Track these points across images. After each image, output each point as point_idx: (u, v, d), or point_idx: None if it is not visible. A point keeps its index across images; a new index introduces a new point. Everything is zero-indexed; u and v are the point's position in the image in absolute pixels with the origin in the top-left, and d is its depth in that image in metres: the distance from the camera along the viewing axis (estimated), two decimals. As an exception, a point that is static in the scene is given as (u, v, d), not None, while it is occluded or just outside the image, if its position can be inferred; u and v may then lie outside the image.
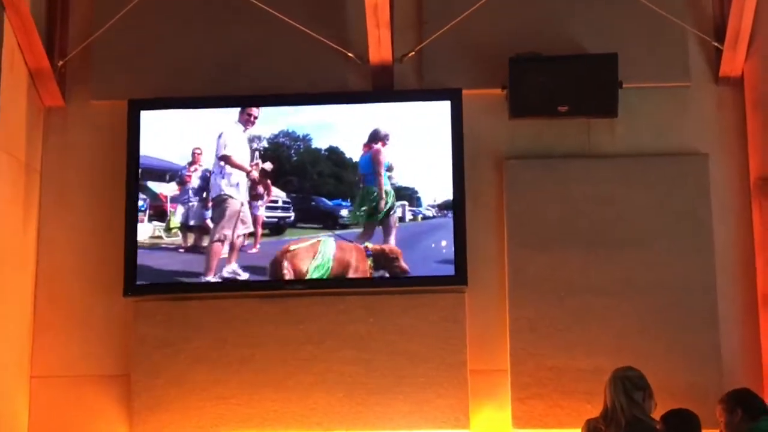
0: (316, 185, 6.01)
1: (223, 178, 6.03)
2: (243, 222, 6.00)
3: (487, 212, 5.98)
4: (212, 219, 6.01)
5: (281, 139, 6.04)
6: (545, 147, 6.05)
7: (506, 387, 5.80)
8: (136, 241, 5.94)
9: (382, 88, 6.07)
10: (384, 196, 5.95)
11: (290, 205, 6.05)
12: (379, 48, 5.89)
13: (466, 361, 5.80)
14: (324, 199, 6.03)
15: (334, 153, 6.01)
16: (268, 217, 6.04)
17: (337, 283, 5.89)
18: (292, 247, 5.94)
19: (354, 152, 5.98)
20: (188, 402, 5.85)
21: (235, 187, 6.02)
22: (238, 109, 6.04)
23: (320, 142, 6.01)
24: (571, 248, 5.86)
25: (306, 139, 6.04)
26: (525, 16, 6.08)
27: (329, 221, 5.99)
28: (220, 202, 6.02)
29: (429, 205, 5.93)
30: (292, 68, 6.14)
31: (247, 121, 6.03)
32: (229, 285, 5.92)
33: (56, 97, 6.17)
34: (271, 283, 5.91)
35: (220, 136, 6.03)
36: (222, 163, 6.02)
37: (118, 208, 6.01)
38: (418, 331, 5.83)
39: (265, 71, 6.15)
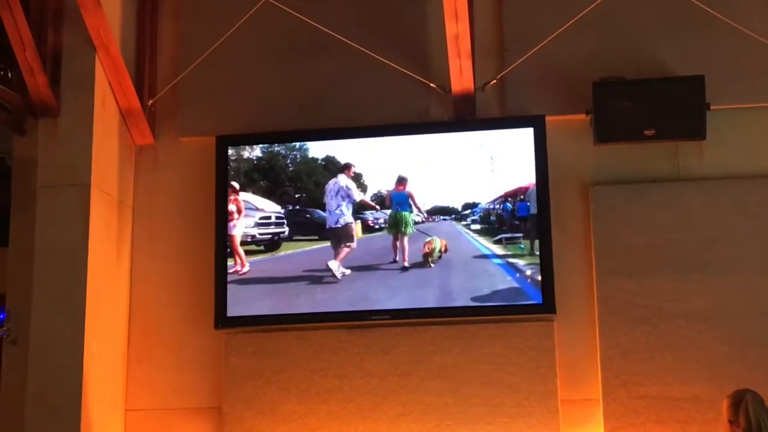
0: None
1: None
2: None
3: (573, 239, 5.92)
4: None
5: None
6: (632, 172, 5.96)
7: (599, 416, 5.69)
8: (226, 274, 6.03)
9: (464, 116, 6.07)
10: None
11: (283, 219, 6.09)
12: (461, 78, 5.90)
13: (556, 390, 5.73)
14: (319, 210, 6.09)
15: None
16: (261, 233, 6.10)
17: (423, 313, 5.88)
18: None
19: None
20: (279, 434, 5.90)
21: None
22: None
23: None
24: (660, 274, 5.75)
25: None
26: (607, 39, 6.02)
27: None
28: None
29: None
30: (376, 100, 6.18)
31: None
32: (317, 316, 5.96)
33: (147, 135, 6.33)
34: (358, 314, 5.93)
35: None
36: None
37: (208, 242, 6.11)
38: (507, 361, 5.78)
39: (350, 104, 6.21)
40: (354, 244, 6.04)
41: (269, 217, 6.14)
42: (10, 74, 6.01)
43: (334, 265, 6.00)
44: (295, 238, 6.12)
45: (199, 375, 6.09)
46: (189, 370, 6.11)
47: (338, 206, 6.09)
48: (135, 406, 6.11)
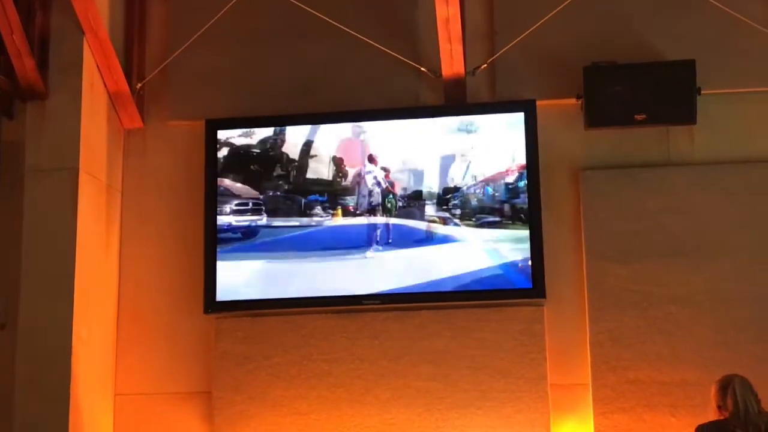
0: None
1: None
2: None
3: (563, 224, 5.91)
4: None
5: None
6: (623, 156, 5.95)
7: (588, 401, 5.70)
8: (215, 258, 6.01)
9: (455, 101, 6.05)
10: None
11: (262, 206, 6.10)
12: (452, 62, 5.88)
13: (546, 375, 5.73)
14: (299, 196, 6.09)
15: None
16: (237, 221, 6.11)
17: (413, 297, 5.87)
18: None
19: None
20: (268, 417, 5.89)
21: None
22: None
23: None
24: (651, 259, 5.75)
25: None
26: (598, 23, 6.01)
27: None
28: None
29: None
30: (366, 84, 6.16)
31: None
32: (307, 301, 5.95)
33: (135, 118, 6.30)
34: (347, 299, 5.92)
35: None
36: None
37: (197, 226, 6.09)
38: (497, 345, 5.78)
39: (340, 88, 6.18)
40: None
41: (246, 204, 6.11)
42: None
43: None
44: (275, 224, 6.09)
45: (188, 359, 6.08)
46: (178, 354, 6.10)
47: (371, 192, 6.04)
48: (124, 391, 6.11)
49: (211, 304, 5.98)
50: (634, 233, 5.79)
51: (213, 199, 6.08)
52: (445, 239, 5.91)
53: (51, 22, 5.89)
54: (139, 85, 6.28)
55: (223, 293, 5.98)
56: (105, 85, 6.08)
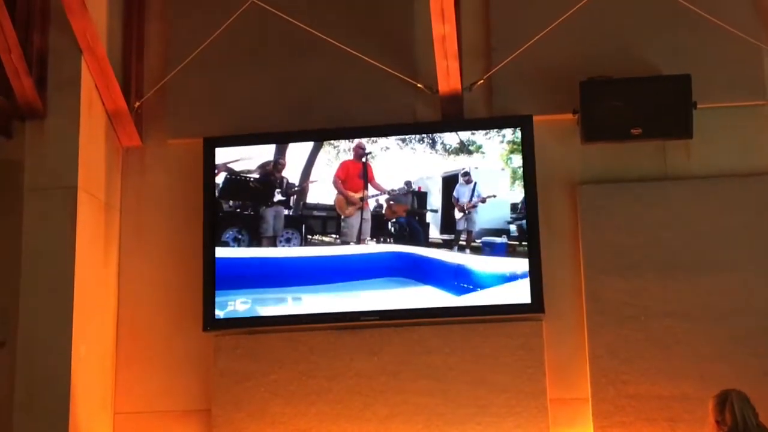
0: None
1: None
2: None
3: (561, 239, 5.92)
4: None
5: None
6: (620, 171, 5.97)
7: (588, 415, 5.69)
8: (214, 276, 6.01)
9: (452, 117, 6.07)
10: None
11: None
12: (448, 78, 5.90)
13: (545, 389, 5.72)
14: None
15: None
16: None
17: (411, 313, 5.87)
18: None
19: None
20: (268, 435, 5.89)
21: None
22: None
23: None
24: (649, 273, 5.75)
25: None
26: (594, 39, 6.03)
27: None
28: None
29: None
30: (364, 101, 6.19)
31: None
32: (306, 318, 5.95)
33: (134, 137, 6.32)
34: (346, 315, 5.92)
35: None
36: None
37: (196, 244, 6.10)
38: (495, 360, 5.77)
39: (338, 105, 6.20)
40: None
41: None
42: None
43: None
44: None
45: (187, 377, 6.08)
46: (178, 372, 6.10)
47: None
48: (124, 409, 6.10)
49: (210, 322, 5.98)
50: (632, 247, 5.80)
51: (211, 216, 6.09)
52: (449, 265, 5.90)
53: (49, 40, 5.92)
54: (138, 103, 6.30)
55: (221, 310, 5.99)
56: (103, 104, 6.10)
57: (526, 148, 5.89)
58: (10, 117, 5.98)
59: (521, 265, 5.78)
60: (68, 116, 5.82)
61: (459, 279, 5.84)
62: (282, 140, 6.15)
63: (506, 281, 5.79)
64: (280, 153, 6.13)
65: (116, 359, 6.13)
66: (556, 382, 5.78)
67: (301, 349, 5.95)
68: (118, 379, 6.11)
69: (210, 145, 6.16)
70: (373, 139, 6.05)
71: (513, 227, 5.85)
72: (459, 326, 5.84)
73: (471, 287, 5.82)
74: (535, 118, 5.92)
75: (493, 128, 5.96)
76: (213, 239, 6.06)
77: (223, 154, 6.15)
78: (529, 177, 5.86)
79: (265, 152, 6.15)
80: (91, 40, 5.80)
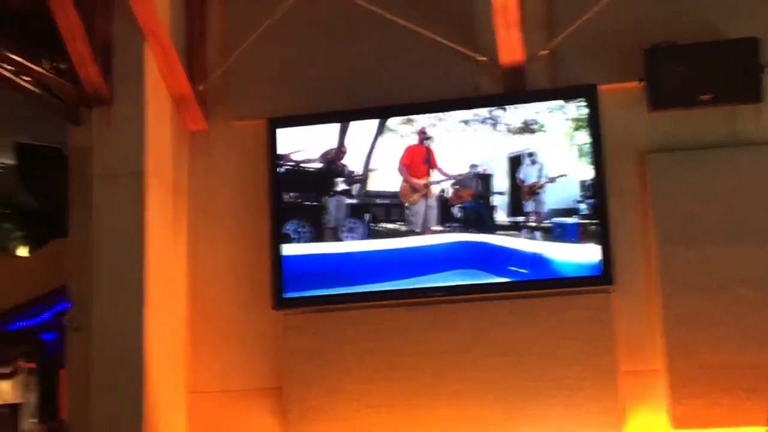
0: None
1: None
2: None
3: (630, 209, 5.84)
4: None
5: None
6: (688, 138, 5.86)
7: (661, 387, 5.64)
8: (281, 255, 6.06)
9: (514, 89, 6.01)
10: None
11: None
12: (510, 49, 5.84)
13: (614, 362, 5.67)
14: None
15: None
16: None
17: (480, 288, 5.85)
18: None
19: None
20: (340, 412, 5.93)
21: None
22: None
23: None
24: (719, 241, 5.65)
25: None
26: (658, 4, 5.91)
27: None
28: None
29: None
30: (424, 77, 6.15)
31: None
32: (374, 295, 5.96)
33: (199, 120, 6.37)
34: (415, 291, 5.92)
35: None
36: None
37: (263, 225, 6.15)
38: (565, 334, 5.73)
39: (398, 82, 6.17)
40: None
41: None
42: (62, 65, 6.10)
43: None
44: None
45: (259, 356, 6.14)
46: (249, 351, 6.17)
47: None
48: (197, 389, 6.19)
49: (279, 301, 6.03)
50: (703, 215, 5.70)
51: (277, 195, 6.12)
52: (524, 254, 5.83)
53: (113, 28, 5.96)
54: (202, 87, 6.34)
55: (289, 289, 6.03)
56: (168, 89, 6.15)
57: (592, 118, 5.80)
58: (78, 105, 6.07)
59: (594, 250, 5.70)
60: (134, 102, 5.87)
61: (534, 269, 5.78)
62: (344, 119, 6.15)
63: (582, 267, 5.72)
64: (342, 139, 6.11)
65: (188, 340, 6.22)
66: (626, 354, 5.72)
67: (371, 326, 5.97)
68: (190, 359, 6.20)
69: (273, 126, 6.19)
70: (434, 123, 6.00)
71: (583, 206, 5.77)
72: (527, 300, 5.80)
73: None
74: (600, 88, 5.84)
75: (558, 99, 5.88)
76: (279, 218, 6.09)
77: (284, 142, 6.15)
78: (597, 149, 5.77)
79: (326, 140, 6.14)
80: (154, 25, 5.84)
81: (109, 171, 5.83)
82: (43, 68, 6.11)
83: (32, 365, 10.07)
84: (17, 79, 6.02)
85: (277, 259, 6.05)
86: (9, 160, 9.55)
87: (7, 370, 9.55)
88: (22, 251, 10.29)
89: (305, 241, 6.06)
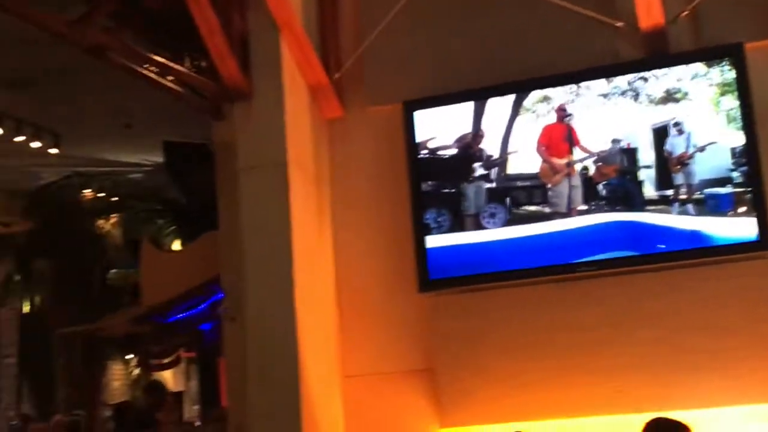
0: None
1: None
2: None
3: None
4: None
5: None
6: None
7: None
8: (424, 238, 6.05)
9: (656, 53, 5.81)
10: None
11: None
12: (649, 12, 5.64)
13: (777, 330, 5.44)
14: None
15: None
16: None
17: (630, 260, 5.70)
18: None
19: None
20: (493, 392, 5.89)
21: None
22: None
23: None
24: None
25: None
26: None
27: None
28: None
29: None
30: (561, 48, 6.01)
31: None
32: (521, 273, 5.89)
33: (336, 108, 6.42)
34: (563, 267, 5.81)
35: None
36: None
37: (404, 208, 6.15)
38: (722, 303, 5.52)
39: (534, 55, 6.06)
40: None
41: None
42: (203, 63, 6.24)
43: None
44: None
45: (408, 338, 6.17)
46: (399, 334, 6.20)
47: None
48: (351, 372, 6.26)
49: (425, 283, 6.03)
50: None
51: (417, 178, 6.11)
52: (680, 231, 5.63)
53: (248, 22, 6.04)
54: (337, 74, 6.38)
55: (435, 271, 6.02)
56: (304, 79, 6.21)
57: (740, 78, 5.55)
58: (220, 100, 6.20)
59: (750, 218, 5.47)
60: (273, 94, 5.93)
61: (689, 244, 5.57)
62: (481, 96, 6.08)
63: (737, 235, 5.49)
64: (478, 122, 6.03)
65: (338, 326, 6.29)
66: (791, 321, 5.47)
67: (520, 304, 5.90)
68: (341, 344, 6.27)
69: (409, 109, 6.18)
70: (572, 99, 5.86)
71: (736, 174, 5.53)
72: (680, 271, 5.62)
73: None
74: (747, 46, 5.57)
75: (702, 60, 5.65)
76: (420, 201, 6.09)
77: (421, 128, 6.12)
78: (747, 113, 5.52)
79: (462, 124, 6.08)
80: (288, 16, 5.90)
81: (253, 163, 5.92)
82: (185, 67, 6.28)
83: (192, 354, 10.42)
84: (162, 80, 6.20)
85: (421, 250, 6.04)
86: (159, 158, 9.89)
87: (169, 360, 9.92)
88: (176, 245, 10.67)
89: (445, 230, 6.02)
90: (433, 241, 6.04)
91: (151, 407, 8.52)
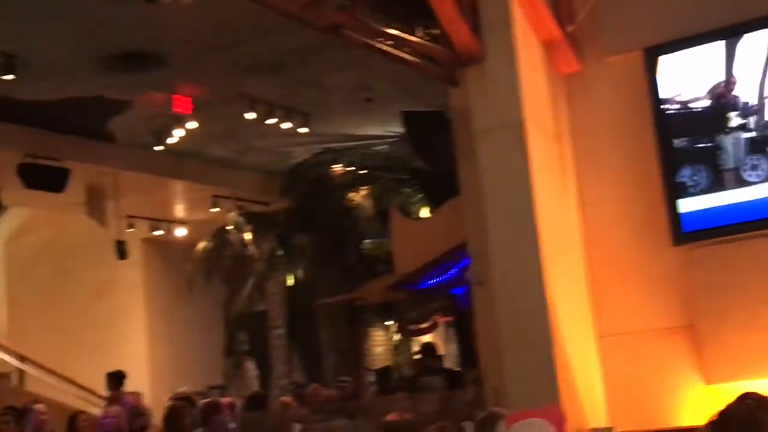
0: None
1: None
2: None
3: None
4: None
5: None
6: None
7: None
8: (675, 189, 5.79)
9: None
10: None
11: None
12: None
13: None
14: None
15: None
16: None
17: None
18: None
19: None
20: (760, 345, 5.58)
21: None
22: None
23: None
24: None
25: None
26: None
27: None
28: None
29: None
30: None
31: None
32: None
33: (572, 62, 6.25)
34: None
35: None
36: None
37: (651, 160, 5.93)
38: None
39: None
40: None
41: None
42: (435, 31, 6.24)
43: None
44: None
45: (663, 294, 5.96)
46: (652, 290, 6.00)
47: None
48: (608, 332, 6.11)
49: (679, 236, 5.78)
50: None
51: (664, 127, 5.84)
52: None
53: (476, -17, 6.00)
54: (571, 27, 6.20)
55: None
56: (537, 35, 6.07)
57: None
58: (453, 66, 6.18)
59: None
60: (505, 55, 5.84)
61: None
62: (734, 33, 5.69)
63: None
64: (729, 69, 5.66)
65: (590, 285, 6.15)
66: None
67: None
68: (595, 304, 6.13)
69: (651, 55, 5.91)
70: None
71: None
72: None
73: None
74: None
75: None
76: (669, 152, 5.83)
77: (665, 81, 5.83)
78: None
79: (711, 73, 5.75)
80: (516, -26, 5.80)
81: (489, 125, 5.86)
82: (417, 37, 6.31)
83: (449, 319, 10.56)
84: (397, 52, 6.26)
85: (671, 192, 5.79)
86: (400, 129, 10.04)
87: (426, 325, 10.10)
88: (424, 212, 10.81)
89: (702, 189, 5.72)
90: (688, 205, 5.75)
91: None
